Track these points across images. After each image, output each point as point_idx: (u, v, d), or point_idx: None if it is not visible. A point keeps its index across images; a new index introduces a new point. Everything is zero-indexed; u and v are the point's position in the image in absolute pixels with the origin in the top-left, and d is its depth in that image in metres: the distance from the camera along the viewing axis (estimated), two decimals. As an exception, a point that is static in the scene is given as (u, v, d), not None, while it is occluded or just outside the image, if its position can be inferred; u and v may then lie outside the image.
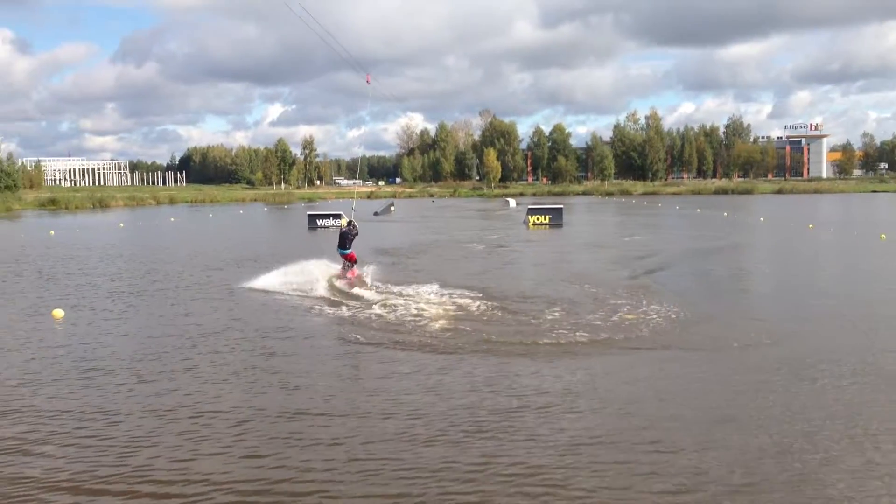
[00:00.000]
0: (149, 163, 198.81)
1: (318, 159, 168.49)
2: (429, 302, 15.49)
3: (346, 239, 18.42)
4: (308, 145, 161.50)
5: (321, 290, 17.21)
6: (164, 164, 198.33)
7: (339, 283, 17.94)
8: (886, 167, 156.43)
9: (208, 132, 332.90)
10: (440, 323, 13.40)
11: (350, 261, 18.69)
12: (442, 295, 16.38)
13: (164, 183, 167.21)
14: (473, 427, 7.98)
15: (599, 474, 6.77)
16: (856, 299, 16.18)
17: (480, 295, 16.26)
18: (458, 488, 6.51)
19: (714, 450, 7.25)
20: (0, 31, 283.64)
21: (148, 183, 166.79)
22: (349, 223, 18.75)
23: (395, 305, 15.12)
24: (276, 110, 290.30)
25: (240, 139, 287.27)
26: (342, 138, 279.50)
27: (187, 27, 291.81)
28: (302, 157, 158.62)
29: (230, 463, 7.12)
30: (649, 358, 10.95)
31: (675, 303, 15.12)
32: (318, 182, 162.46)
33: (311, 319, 14.14)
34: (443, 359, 10.90)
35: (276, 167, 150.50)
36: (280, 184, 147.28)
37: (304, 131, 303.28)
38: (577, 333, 12.33)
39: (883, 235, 31.53)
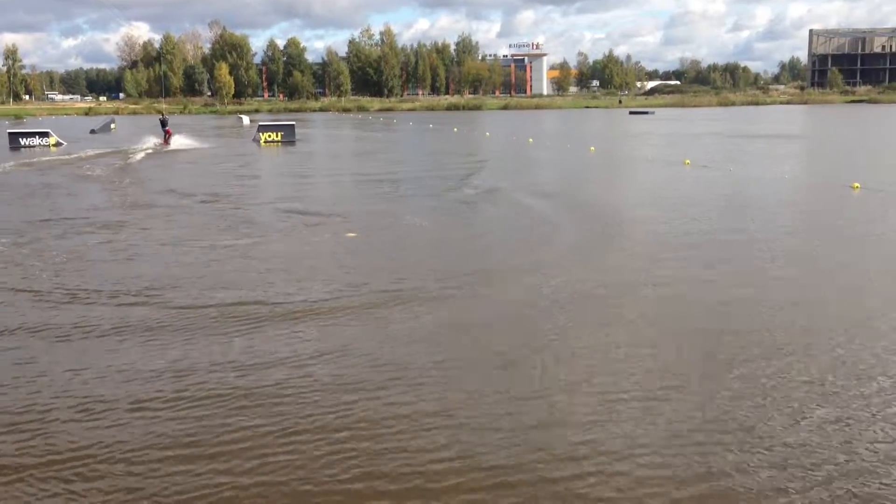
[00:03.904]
0: None
1: (24, 71, 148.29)
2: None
3: (164, 124, 38.69)
4: (11, 55, 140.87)
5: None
6: None
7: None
8: (598, 84, 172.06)
9: None
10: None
11: (168, 135, 38.04)
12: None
13: None
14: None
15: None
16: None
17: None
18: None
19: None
20: None
21: None
22: (163, 116, 40.53)
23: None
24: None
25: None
26: (56, 48, 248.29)
27: None
28: (5, 70, 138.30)
29: None
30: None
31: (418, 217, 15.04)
32: (28, 97, 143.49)
33: None
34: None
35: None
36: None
37: (7, 39, 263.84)
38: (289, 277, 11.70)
39: (593, 148, 34.61)
